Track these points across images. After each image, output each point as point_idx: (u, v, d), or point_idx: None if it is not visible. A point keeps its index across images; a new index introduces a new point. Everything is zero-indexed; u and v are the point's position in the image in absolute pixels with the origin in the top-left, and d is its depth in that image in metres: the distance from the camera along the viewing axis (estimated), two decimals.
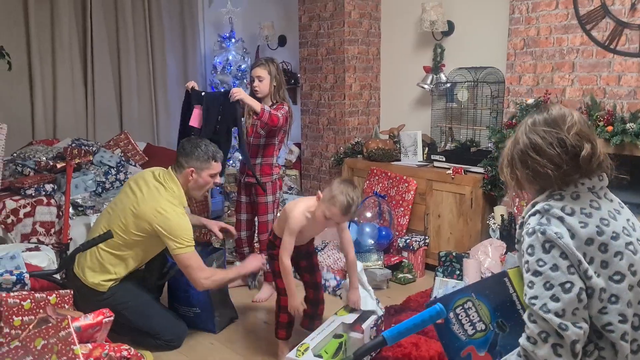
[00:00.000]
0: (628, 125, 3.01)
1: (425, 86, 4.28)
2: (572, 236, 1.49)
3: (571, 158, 1.54)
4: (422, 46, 4.48)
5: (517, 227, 1.69)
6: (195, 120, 3.24)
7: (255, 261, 3.01)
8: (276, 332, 2.80)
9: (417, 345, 2.80)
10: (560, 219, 1.51)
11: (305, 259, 2.80)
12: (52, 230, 3.79)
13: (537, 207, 1.58)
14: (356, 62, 4.71)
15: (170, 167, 2.87)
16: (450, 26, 4.25)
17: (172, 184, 2.80)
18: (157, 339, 2.85)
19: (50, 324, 1.79)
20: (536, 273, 1.47)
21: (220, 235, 3.22)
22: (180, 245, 2.66)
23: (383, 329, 2.86)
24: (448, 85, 4.19)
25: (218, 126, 3.22)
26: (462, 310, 1.71)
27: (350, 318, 2.72)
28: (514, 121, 3.50)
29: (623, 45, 3.15)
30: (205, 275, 2.73)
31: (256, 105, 3.16)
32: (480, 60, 4.03)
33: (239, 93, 3.13)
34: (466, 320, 1.71)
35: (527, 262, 1.52)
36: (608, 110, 3.16)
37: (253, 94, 3.37)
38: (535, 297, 1.44)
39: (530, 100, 3.47)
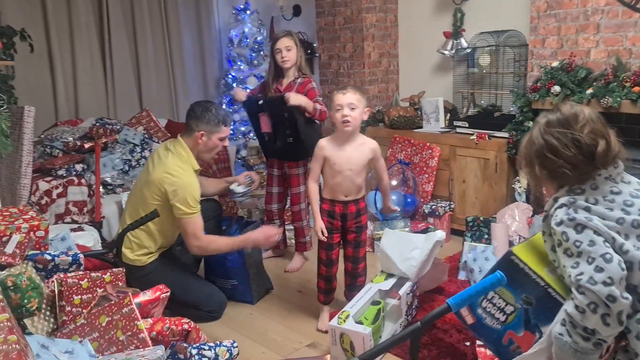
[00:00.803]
0: None
1: (446, 52, 4.27)
2: (603, 219, 1.56)
3: (586, 156, 1.62)
4: (441, 11, 4.45)
5: (542, 219, 1.75)
6: (266, 126, 3.40)
7: (262, 234, 2.93)
8: (317, 296, 2.92)
9: None
10: (587, 209, 1.58)
11: (355, 232, 2.82)
12: (85, 210, 3.88)
13: (562, 200, 1.64)
14: (374, 30, 4.70)
15: (179, 135, 2.92)
16: None
17: (180, 149, 2.85)
18: (199, 309, 2.93)
19: (112, 302, 1.87)
20: (578, 254, 1.53)
21: (244, 181, 3.31)
22: (183, 210, 2.71)
23: (418, 294, 2.94)
24: (469, 50, 4.18)
25: (288, 131, 3.35)
26: (488, 302, 1.78)
27: (387, 285, 2.80)
28: (538, 84, 3.50)
29: None
30: (197, 244, 2.79)
31: (310, 106, 3.26)
32: (502, 24, 4.00)
33: (294, 99, 3.19)
34: (495, 309, 1.79)
35: (566, 249, 1.57)
36: (635, 71, 3.15)
37: (277, 65, 3.40)
38: (582, 273, 1.50)
39: (555, 63, 3.46)
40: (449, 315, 2.81)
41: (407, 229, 3.83)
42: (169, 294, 2.00)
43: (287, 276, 3.55)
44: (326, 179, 2.78)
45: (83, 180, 3.90)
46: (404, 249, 2.89)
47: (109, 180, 4.09)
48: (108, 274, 2.12)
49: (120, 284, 2.16)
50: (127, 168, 4.28)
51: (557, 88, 3.36)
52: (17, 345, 1.32)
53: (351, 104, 2.60)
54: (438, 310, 1.27)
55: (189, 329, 1.85)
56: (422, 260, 2.83)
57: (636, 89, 3.08)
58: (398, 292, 2.74)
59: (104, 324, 1.81)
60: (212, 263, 3.24)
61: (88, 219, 3.85)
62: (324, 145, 2.72)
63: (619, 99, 3.10)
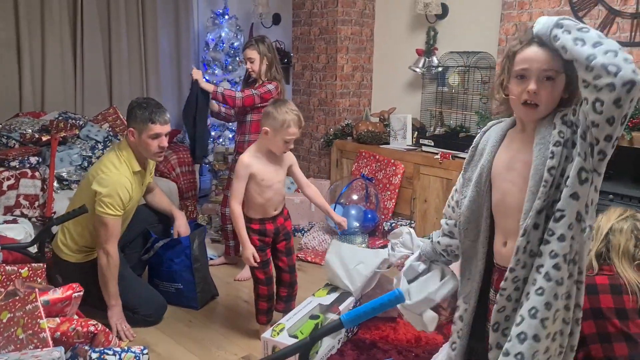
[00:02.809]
0: None
1: (417, 69, 4.24)
2: None
3: None
4: (416, 29, 4.43)
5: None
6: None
7: (118, 325, 2.73)
8: (257, 318, 2.80)
9: (395, 328, 2.82)
10: None
11: (285, 240, 2.73)
12: (36, 204, 3.76)
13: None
14: (349, 43, 4.66)
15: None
16: (445, 9, 4.19)
17: (122, 148, 2.76)
18: (136, 313, 2.83)
19: (17, 297, 1.78)
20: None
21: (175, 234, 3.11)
22: (103, 209, 2.57)
23: None
24: (440, 69, 4.15)
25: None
26: None
27: (328, 299, 2.72)
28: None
29: (614, 33, 3.11)
30: (107, 249, 2.61)
31: (209, 88, 3.28)
32: (473, 45, 3.98)
33: (196, 74, 3.29)
34: None
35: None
36: None
37: (249, 75, 3.46)
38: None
39: None
40: (392, 335, 2.76)
41: (363, 245, 3.76)
42: (82, 293, 1.90)
43: (235, 285, 3.46)
44: (252, 197, 2.58)
45: (37, 174, 3.79)
46: (350, 262, 2.81)
47: (64, 175, 3.98)
48: (26, 268, 2.03)
49: (40, 280, 2.06)
50: (85, 164, 4.17)
51: None
52: None
53: (295, 138, 2.57)
54: (329, 326, 1.19)
55: (96, 332, 1.75)
56: (367, 276, 2.76)
57: None
58: (339, 307, 2.67)
59: (4, 320, 1.71)
60: (157, 265, 3.14)
61: (39, 213, 3.74)
62: (250, 162, 2.54)
63: None
